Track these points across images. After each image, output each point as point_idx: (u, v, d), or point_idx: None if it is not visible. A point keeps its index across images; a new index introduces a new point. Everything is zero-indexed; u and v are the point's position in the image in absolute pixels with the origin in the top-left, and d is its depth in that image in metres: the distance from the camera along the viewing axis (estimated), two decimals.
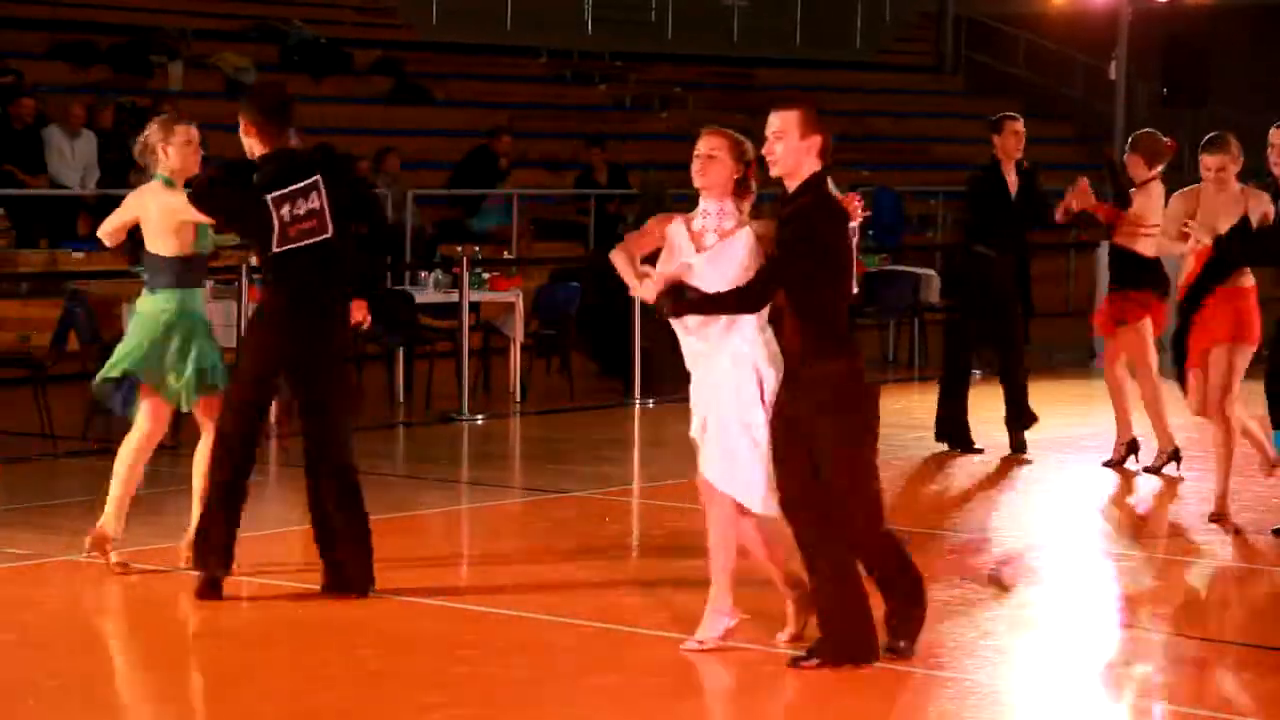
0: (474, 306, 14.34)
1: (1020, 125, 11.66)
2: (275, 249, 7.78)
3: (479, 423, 13.17)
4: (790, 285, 6.70)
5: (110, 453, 11.75)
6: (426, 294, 14.52)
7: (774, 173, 6.82)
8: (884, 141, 26.16)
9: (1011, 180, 11.65)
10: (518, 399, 14.42)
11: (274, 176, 7.81)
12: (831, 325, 6.75)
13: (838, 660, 6.72)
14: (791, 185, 6.80)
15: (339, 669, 6.93)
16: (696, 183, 6.99)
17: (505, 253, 17.63)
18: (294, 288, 7.81)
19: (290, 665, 7.10)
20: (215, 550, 7.75)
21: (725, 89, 26.88)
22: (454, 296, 14.05)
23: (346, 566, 7.82)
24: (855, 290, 6.88)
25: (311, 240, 7.77)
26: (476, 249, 16.18)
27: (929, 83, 29.85)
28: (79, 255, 16.23)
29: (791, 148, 6.81)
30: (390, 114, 21.46)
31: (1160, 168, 10.98)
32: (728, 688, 6.85)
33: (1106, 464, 11.30)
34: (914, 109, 28.04)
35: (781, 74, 27.67)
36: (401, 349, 14.22)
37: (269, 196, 7.77)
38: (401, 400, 14.16)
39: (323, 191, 7.81)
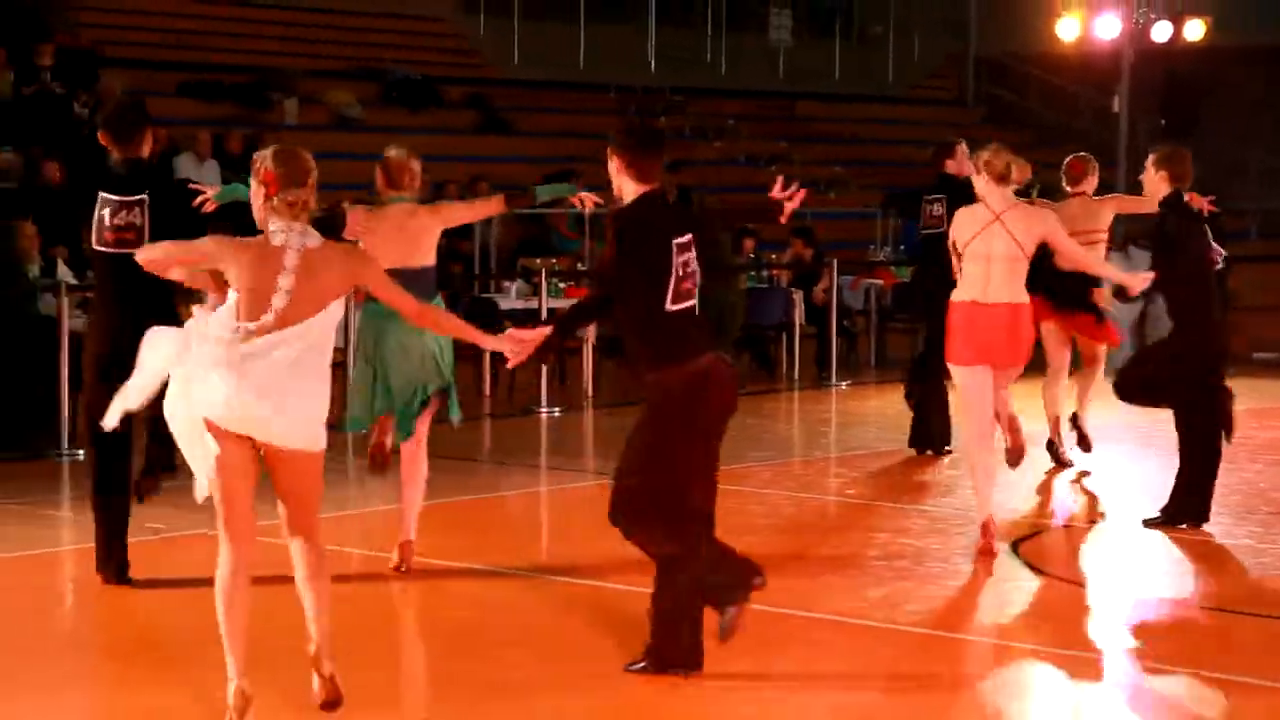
0: (551, 312, 14.39)
1: None
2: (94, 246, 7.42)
3: (556, 414, 13.21)
4: (614, 296, 6.12)
5: None
6: (509, 301, 14.63)
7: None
8: (913, 167, 26.05)
9: None
10: (590, 393, 14.47)
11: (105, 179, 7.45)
12: (646, 337, 6.05)
13: (660, 668, 6.16)
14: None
15: (433, 629, 6.98)
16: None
17: (579, 265, 17.68)
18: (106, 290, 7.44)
19: (380, 627, 7.15)
20: None
21: (771, 120, 26.87)
22: (534, 304, 14.12)
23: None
24: (678, 304, 6.01)
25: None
26: (554, 261, 16.23)
27: (953, 115, 29.73)
28: None
29: (611, 173, 6.20)
30: (477, 143, 21.55)
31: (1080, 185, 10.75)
32: (779, 645, 6.85)
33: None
34: (940, 138, 27.87)
35: (822, 107, 27.63)
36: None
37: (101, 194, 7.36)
38: (488, 394, 14.22)
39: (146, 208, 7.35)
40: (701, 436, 6.14)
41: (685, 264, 6.06)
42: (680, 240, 6.06)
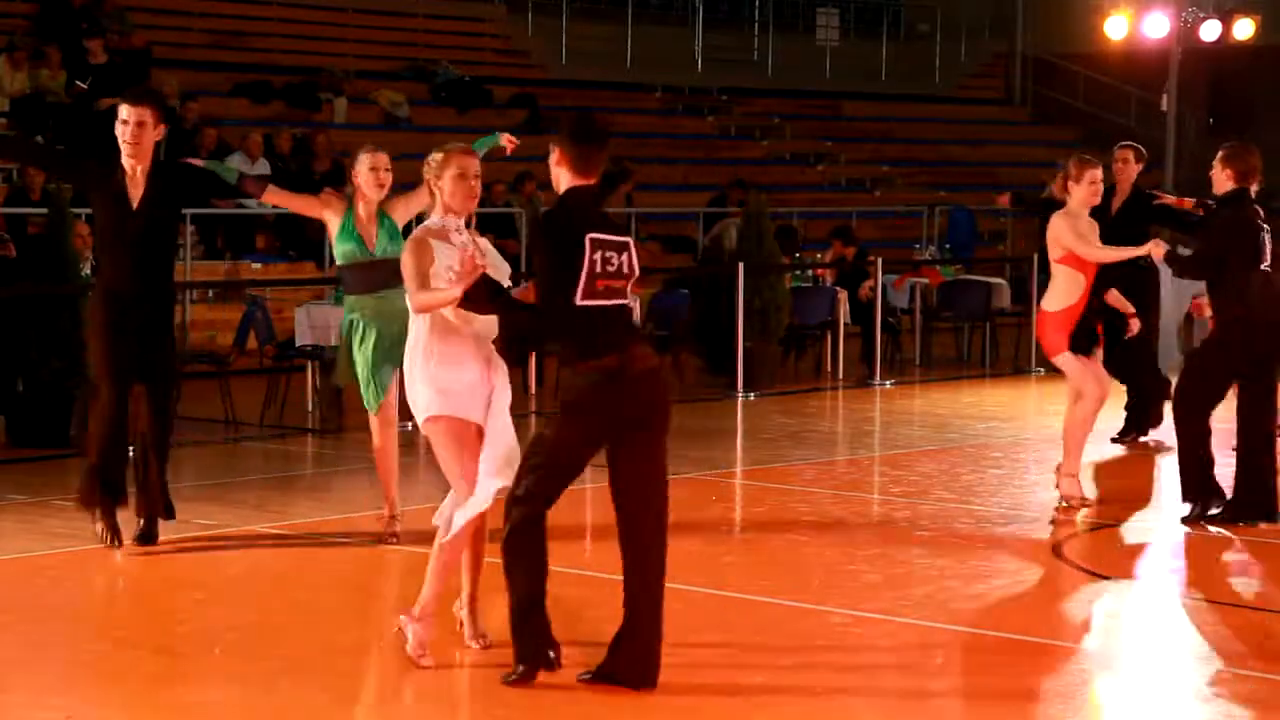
0: None
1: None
2: None
3: None
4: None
5: (284, 437, 11.99)
6: None
7: None
8: (960, 166, 25.96)
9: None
10: None
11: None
12: (560, 331, 5.94)
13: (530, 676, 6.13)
14: None
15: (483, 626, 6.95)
16: (467, 206, 6.37)
17: None
18: None
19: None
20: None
21: (817, 120, 26.81)
22: None
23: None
24: (593, 300, 5.86)
25: None
26: None
27: (1000, 114, 29.63)
28: (257, 266, 16.42)
29: (550, 165, 6.07)
30: (524, 142, 21.48)
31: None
32: (829, 645, 6.82)
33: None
34: (986, 137, 27.82)
35: (868, 106, 27.55)
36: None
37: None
38: (533, 392, 14.22)
39: None
40: (603, 438, 5.99)
41: (608, 261, 5.88)
42: (599, 237, 5.88)
